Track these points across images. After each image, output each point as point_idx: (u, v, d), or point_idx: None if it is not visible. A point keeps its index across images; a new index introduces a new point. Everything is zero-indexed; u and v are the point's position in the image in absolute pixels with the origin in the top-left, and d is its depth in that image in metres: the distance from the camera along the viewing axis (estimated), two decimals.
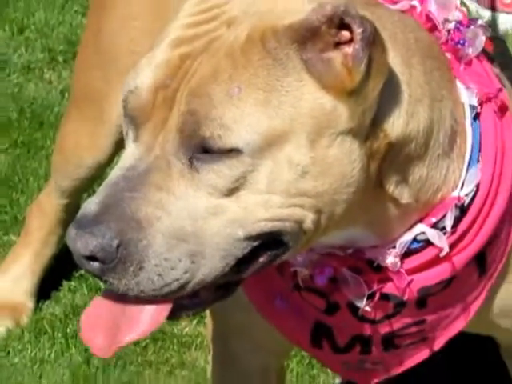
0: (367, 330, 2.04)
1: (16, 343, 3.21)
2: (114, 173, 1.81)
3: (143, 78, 1.81)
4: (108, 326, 1.82)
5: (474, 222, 1.96)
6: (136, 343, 3.08)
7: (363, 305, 1.96)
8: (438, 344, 2.10)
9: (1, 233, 3.34)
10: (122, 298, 1.81)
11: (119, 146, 2.77)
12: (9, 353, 3.21)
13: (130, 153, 1.82)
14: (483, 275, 2.03)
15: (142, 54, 1.89)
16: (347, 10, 1.73)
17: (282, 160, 1.77)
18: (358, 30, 1.73)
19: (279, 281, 2.05)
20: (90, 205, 1.77)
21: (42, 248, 3.17)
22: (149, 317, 1.81)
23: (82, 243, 1.75)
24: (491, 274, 2.04)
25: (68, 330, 3.21)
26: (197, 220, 1.77)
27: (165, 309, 1.81)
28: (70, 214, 3.05)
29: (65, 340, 3.20)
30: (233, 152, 1.75)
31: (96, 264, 1.76)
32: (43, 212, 3.14)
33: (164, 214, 1.76)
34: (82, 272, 3.20)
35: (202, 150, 1.76)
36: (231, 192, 1.77)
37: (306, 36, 1.75)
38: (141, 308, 1.81)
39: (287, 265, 1.98)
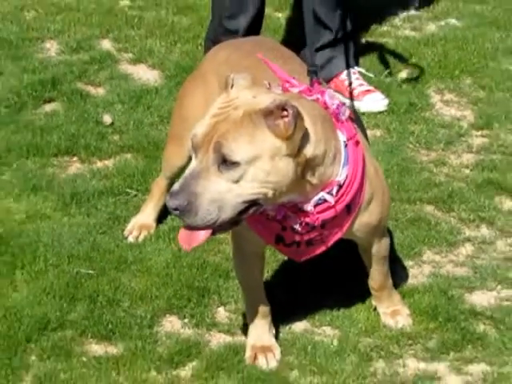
0: (298, 237, 3.70)
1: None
2: (185, 172, 3.40)
3: (199, 129, 3.40)
4: (186, 238, 3.48)
5: (344, 191, 3.62)
6: None
7: (297, 227, 3.62)
8: (329, 244, 3.77)
9: (143, 196, 4.79)
10: (190, 228, 3.43)
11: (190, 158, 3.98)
12: None
13: (193, 164, 3.40)
14: (349, 214, 3.72)
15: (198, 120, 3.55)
16: (286, 102, 3.34)
17: (258, 168, 3.36)
18: (290, 111, 3.32)
19: (262, 218, 3.63)
20: (176, 185, 3.38)
21: (157, 202, 4.71)
22: (203, 235, 3.46)
23: (171, 203, 3.36)
24: (352, 214, 3.73)
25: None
26: (220, 193, 3.36)
27: (208, 232, 3.45)
28: (169, 188, 4.36)
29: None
30: (235, 163, 3.33)
31: (177, 212, 3.37)
32: (158, 186, 4.70)
33: (206, 191, 3.35)
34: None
35: (223, 161, 3.33)
36: (236, 181, 3.36)
37: (268, 113, 3.33)
38: (198, 232, 3.44)
39: (265, 211, 3.55)
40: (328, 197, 3.59)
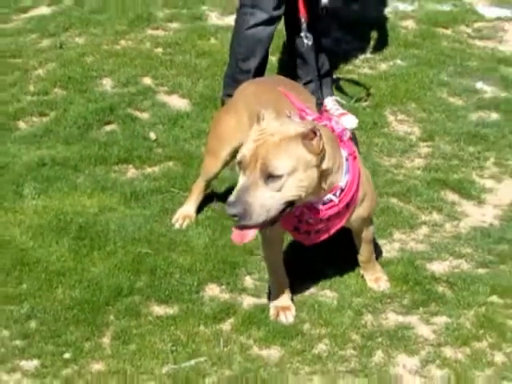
0: (310, 228, 3.57)
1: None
2: (237, 187, 3.26)
3: (246, 152, 3.26)
4: (239, 236, 3.31)
5: (345, 193, 3.49)
6: None
7: (310, 220, 3.55)
8: (331, 232, 3.63)
9: (184, 193, 4.54)
10: (243, 228, 3.28)
11: (223, 167, 4.32)
12: None
13: (242, 179, 3.25)
14: (348, 210, 3.59)
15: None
16: (315, 127, 3.27)
17: (295, 177, 3.25)
18: (318, 133, 3.25)
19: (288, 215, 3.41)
20: (231, 197, 3.23)
21: (196, 198, 4.42)
22: (252, 232, 3.30)
23: (230, 211, 3.21)
24: (350, 209, 3.60)
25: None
26: (267, 200, 3.22)
27: (256, 230, 3.30)
28: (207, 188, 4.45)
29: None
30: (279, 176, 3.22)
31: (236, 218, 3.22)
32: (198, 187, 4.41)
33: (257, 200, 3.22)
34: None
35: (269, 176, 3.21)
36: (279, 190, 3.23)
37: (305, 135, 3.25)
38: (248, 231, 3.29)
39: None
40: (333, 197, 3.50)
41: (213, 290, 3.96)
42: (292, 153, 3.24)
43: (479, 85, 5.79)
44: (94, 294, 3.86)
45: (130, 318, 3.76)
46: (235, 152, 4.09)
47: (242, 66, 5.00)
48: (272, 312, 3.79)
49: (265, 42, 4.94)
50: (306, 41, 4.35)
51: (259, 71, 5.03)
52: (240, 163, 3.27)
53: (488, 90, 5.74)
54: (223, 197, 4.44)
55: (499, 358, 3.60)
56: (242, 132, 3.97)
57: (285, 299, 3.81)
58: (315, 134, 3.26)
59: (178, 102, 5.50)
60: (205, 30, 6.38)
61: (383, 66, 6.02)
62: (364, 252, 3.95)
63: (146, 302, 3.85)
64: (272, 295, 3.83)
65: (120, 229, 4.28)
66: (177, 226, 4.35)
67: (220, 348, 3.62)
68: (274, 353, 3.62)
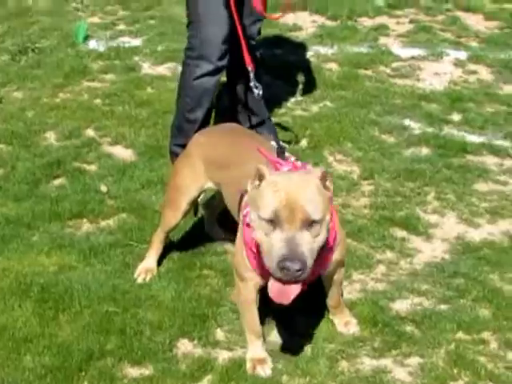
0: None
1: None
2: (283, 240, 2.86)
3: (279, 205, 2.88)
4: (283, 293, 2.94)
5: (331, 236, 3.12)
6: None
7: None
8: (312, 279, 3.15)
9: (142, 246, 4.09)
10: (295, 282, 2.90)
11: (182, 217, 3.88)
12: None
13: (283, 233, 2.86)
14: (330, 253, 3.22)
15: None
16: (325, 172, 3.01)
17: (326, 220, 2.94)
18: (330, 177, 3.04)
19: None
20: (286, 252, 2.85)
21: (157, 250, 3.97)
22: (298, 287, 2.92)
23: (294, 266, 2.84)
24: (332, 253, 3.24)
25: None
26: (314, 247, 2.91)
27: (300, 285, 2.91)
28: (166, 239, 3.99)
29: None
30: (316, 222, 2.88)
31: (299, 272, 2.84)
32: (158, 238, 3.94)
33: (307, 250, 2.87)
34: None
35: (311, 223, 2.87)
36: (318, 235, 2.91)
37: (322, 178, 2.98)
38: (293, 285, 2.91)
39: None
40: None
41: (185, 346, 3.54)
42: (322, 196, 2.95)
43: (407, 122, 5.54)
44: (64, 360, 3.39)
45: (105, 382, 3.30)
46: (193, 202, 3.78)
47: (189, 116, 4.61)
48: (249, 366, 3.39)
49: (211, 91, 4.57)
50: (256, 91, 3.98)
51: (206, 120, 4.65)
52: (275, 218, 2.86)
53: (415, 126, 5.49)
54: (182, 246, 4.06)
55: None
56: (199, 182, 3.72)
57: (260, 351, 3.42)
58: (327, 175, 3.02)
59: (123, 153, 5.06)
60: (140, 79, 5.96)
61: (315, 108, 5.71)
62: (334, 295, 3.59)
63: (119, 364, 3.41)
64: (248, 348, 3.44)
65: (83, 288, 3.81)
66: (140, 280, 3.91)
67: None
68: None
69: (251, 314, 3.38)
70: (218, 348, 3.53)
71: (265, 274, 3.08)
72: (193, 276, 3.95)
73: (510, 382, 3.35)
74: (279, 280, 2.90)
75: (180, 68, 4.80)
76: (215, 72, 4.51)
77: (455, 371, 3.41)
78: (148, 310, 3.70)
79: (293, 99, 5.82)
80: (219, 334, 3.60)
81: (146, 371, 3.38)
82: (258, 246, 3.03)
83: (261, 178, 2.98)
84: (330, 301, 3.62)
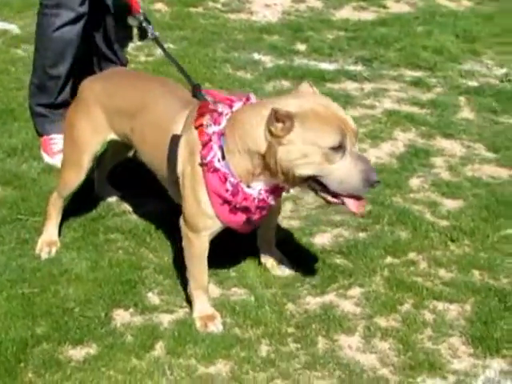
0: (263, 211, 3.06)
1: None
2: (361, 154, 2.87)
3: (351, 122, 2.85)
4: (360, 205, 2.90)
5: None
6: None
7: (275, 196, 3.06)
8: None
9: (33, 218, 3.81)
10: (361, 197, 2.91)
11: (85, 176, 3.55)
12: None
13: (352, 155, 2.82)
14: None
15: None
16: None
17: None
18: None
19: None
20: (369, 165, 2.83)
21: (56, 220, 3.65)
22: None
23: (378, 177, 2.83)
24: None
25: None
26: None
27: None
28: (63, 205, 3.67)
29: None
30: None
31: (378, 184, 2.86)
32: (54, 206, 3.63)
33: None
34: None
35: None
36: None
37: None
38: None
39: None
40: None
41: (122, 316, 3.32)
42: None
43: (256, 56, 5.50)
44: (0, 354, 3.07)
45: (51, 370, 3.03)
46: (95, 157, 3.55)
47: (51, 72, 4.26)
48: (199, 324, 3.24)
49: (74, 42, 4.23)
50: (150, 30, 3.68)
51: (69, 75, 4.31)
52: (341, 142, 2.80)
53: (266, 59, 5.47)
54: (76, 211, 3.80)
55: (428, 315, 3.36)
56: (100, 134, 3.45)
57: (207, 307, 3.28)
58: None
59: None
60: None
61: (159, 51, 5.48)
62: (270, 232, 3.50)
63: (59, 348, 3.13)
64: (195, 306, 3.28)
65: None
66: (44, 255, 3.60)
67: (167, 378, 3.03)
68: (221, 367, 3.09)
69: (202, 267, 3.22)
70: (156, 312, 3.34)
71: (226, 218, 2.99)
72: (101, 242, 3.70)
73: (452, 296, 3.45)
74: (355, 197, 2.89)
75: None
76: (77, 20, 4.19)
77: (398, 296, 3.45)
78: (68, 285, 3.43)
79: (133, 45, 5.57)
80: (153, 298, 3.41)
81: (91, 350, 3.13)
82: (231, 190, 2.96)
83: (282, 118, 2.79)
84: (266, 235, 3.50)
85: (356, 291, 3.49)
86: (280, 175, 2.88)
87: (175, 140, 3.06)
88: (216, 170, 2.93)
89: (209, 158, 2.94)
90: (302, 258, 3.64)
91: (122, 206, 3.95)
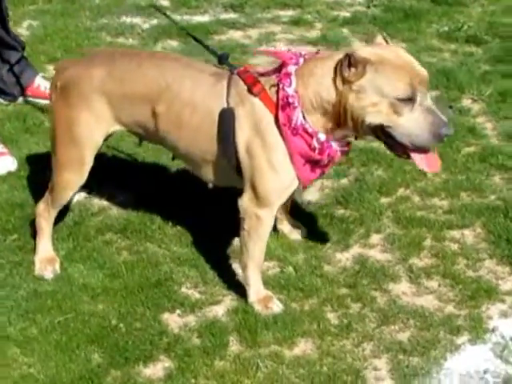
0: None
1: None
2: (434, 106, 2.70)
3: (423, 71, 2.72)
4: (435, 162, 2.81)
5: None
6: None
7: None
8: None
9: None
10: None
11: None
12: None
13: (424, 107, 2.69)
14: None
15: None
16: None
17: None
18: None
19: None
20: (443, 117, 2.68)
21: (49, 235, 3.27)
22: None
23: (451, 131, 2.70)
24: None
25: None
26: None
27: None
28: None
29: None
30: None
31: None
32: (46, 219, 3.24)
33: None
34: None
35: None
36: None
37: None
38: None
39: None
40: None
41: (174, 320, 3.06)
42: None
43: (127, 19, 5.21)
44: None
45: None
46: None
47: None
48: (260, 307, 3.04)
49: None
50: None
51: None
52: (412, 93, 2.67)
53: (139, 21, 5.19)
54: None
55: (452, 245, 3.44)
56: (104, 127, 3.06)
57: (262, 289, 3.08)
58: None
59: None
60: None
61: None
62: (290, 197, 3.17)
63: (131, 370, 2.83)
64: (249, 288, 3.07)
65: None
66: (49, 275, 3.20)
67: (262, 371, 2.85)
68: (307, 346, 2.96)
69: (264, 246, 3.03)
70: (205, 307, 3.11)
71: (306, 178, 2.89)
72: (99, 246, 3.39)
73: (460, 222, 3.53)
74: (423, 151, 2.76)
75: None
76: None
77: (414, 233, 3.47)
78: (96, 301, 3.09)
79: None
80: (191, 293, 3.17)
81: (166, 363, 2.85)
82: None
83: (356, 63, 2.64)
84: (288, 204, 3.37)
85: (375, 238, 3.48)
86: (349, 122, 2.75)
87: (227, 114, 2.82)
88: (305, 131, 2.76)
89: (295, 120, 2.76)
90: (305, 217, 3.54)
91: (94, 203, 3.62)
